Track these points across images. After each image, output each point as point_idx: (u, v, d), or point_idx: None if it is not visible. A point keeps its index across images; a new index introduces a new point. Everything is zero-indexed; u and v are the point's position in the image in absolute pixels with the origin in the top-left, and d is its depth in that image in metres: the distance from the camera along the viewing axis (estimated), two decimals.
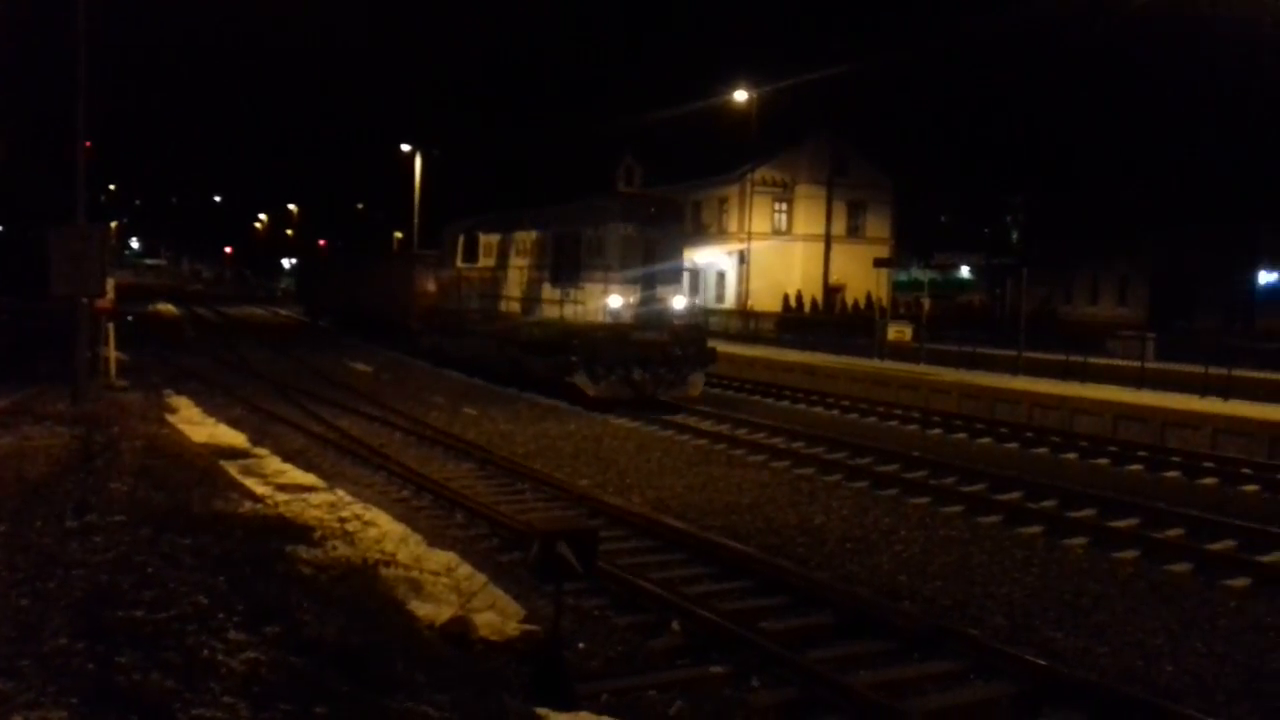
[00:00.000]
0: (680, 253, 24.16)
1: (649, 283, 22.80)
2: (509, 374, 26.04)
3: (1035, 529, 12.57)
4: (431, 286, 34.93)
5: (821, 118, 59.45)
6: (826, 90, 65.26)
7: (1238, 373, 22.19)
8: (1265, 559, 11.28)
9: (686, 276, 24.95)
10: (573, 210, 25.00)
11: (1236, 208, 48.97)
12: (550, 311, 24.30)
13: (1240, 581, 10.54)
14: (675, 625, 8.79)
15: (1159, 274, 56.37)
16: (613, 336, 22.21)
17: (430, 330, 33.20)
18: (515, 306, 26.60)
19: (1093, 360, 26.44)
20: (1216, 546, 11.77)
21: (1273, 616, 9.50)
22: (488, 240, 28.83)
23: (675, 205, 25.50)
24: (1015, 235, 72.65)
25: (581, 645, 8.13)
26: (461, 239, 30.39)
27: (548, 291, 24.73)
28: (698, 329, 24.38)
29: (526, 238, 26.34)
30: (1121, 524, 12.75)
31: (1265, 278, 49.61)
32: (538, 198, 33.32)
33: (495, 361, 26.81)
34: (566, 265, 24.06)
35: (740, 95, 51.02)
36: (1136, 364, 25.17)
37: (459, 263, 30.53)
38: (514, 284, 26.83)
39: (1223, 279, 52.24)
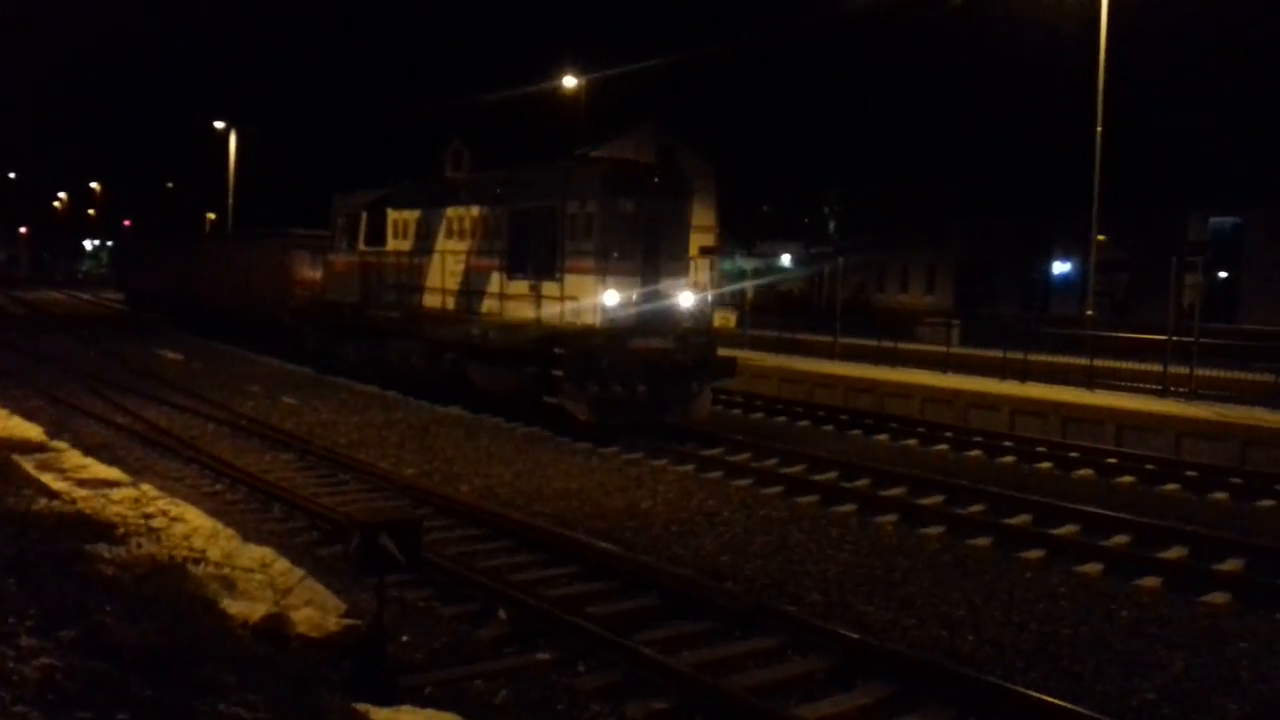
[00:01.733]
0: (688, 235, 19.11)
1: (652, 274, 17.89)
2: (446, 389, 20.86)
3: (849, 507, 13.08)
4: (312, 274, 28.97)
5: (649, 107, 59.98)
6: (654, 80, 65.94)
7: (1034, 357, 23.60)
8: (1057, 532, 12.06)
9: (694, 266, 19.82)
10: (542, 179, 19.09)
11: (1035, 199, 51.89)
12: (511, 310, 19.17)
13: (1035, 553, 11.24)
14: (502, 614, 8.75)
15: (963, 262, 59.32)
16: (610, 344, 17.15)
17: (314, 328, 26.82)
18: (448, 302, 21.19)
19: (903, 345, 27.63)
20: (1014, 521, 12.51)
21: (1065, 586, 10.16)
22: (401, 218, 23.04)
23: (682, 175, 19.66)
24: (832, 225, 75.14)
25: (406, 638, 7.99)
26: (364, 217, 24.36)
27: (503, 284, 19.44)
28: (707, 333, 19.44)
29: (463, 215, 20.79)
30: (928, 501, 13.41)
31: (1059, 267, 52.84)
32: (392, 175, 27.04)
33: (423, 372, 21.47)
34: (536, 251, 18.68)
35: (569, 82, 50.95)
36: (943, 349, 26.47)
37: (360, 245, 24.57)
38: (445, 274, 21.29)
39: (1022, 267, 55.43)
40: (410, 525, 7.17)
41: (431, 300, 21.74)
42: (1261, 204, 44.56)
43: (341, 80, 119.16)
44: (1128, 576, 10.47)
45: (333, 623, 7.66)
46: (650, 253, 17.83)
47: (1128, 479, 15.43)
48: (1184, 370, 20.80)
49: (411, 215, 22.72)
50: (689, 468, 15.49)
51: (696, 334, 18.56)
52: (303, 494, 12.69)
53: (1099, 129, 27.10)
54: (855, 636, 8.34)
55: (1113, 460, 16.50)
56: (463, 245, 20.85)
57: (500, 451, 16.31)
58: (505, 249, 19.50)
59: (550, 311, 18.21)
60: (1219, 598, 9.76)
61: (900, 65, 77.86)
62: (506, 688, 7.22)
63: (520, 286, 19.07)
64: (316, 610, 7.90)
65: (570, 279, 17.85)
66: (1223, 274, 46.46)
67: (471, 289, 20.52)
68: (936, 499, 13.60)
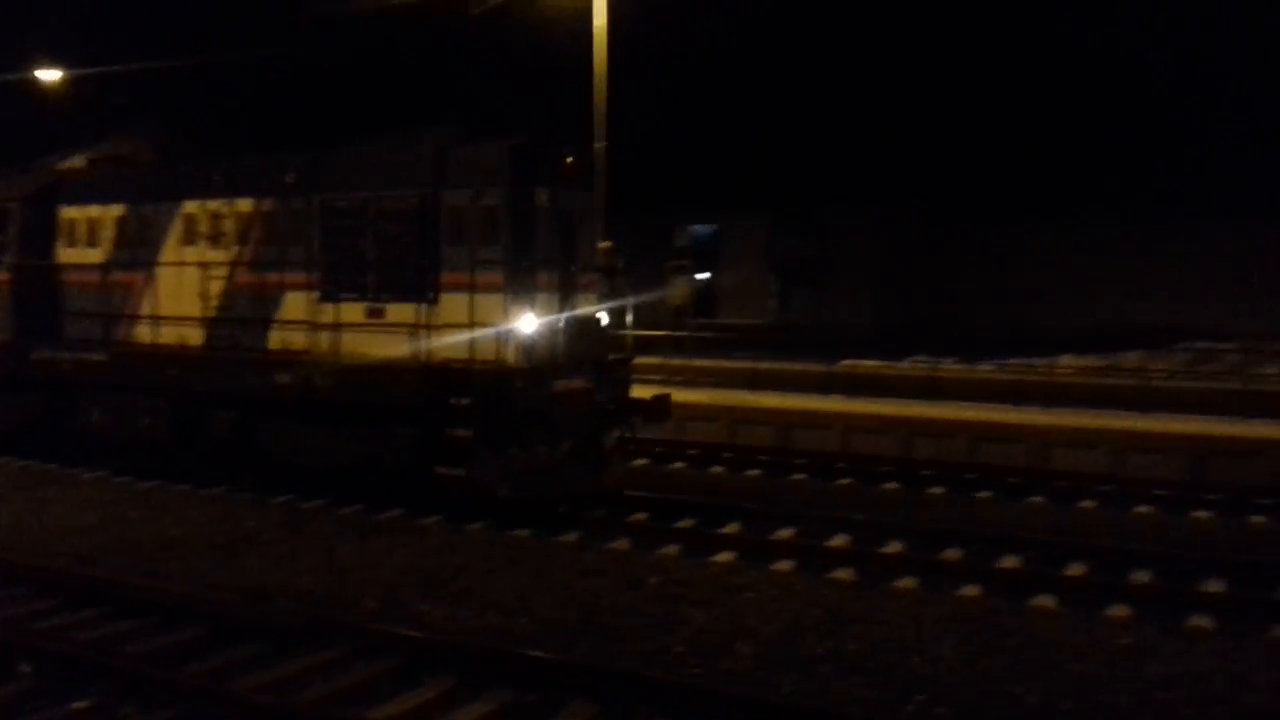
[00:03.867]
0: (596, 236, 15.18)
1: (569, 289, 13.60)
2: (212, 460, 15.07)
3: (395, 513, 13.20)
4: None
5: (146, 106, 55.35)
6: (153, 79, 60.73)
7: None
8: (592, 514, 13.09)
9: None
10: (392, 161, 13.73)
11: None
12: (336, 344, 13.74)
13: (570, 536, 12.13)
14: (25, 667, 7.91)
15: None
16: (533, 388, 12.78)
17: None
18: (191, 337, 15.20)
19: None
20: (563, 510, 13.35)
21: (599, 562, 11.08)
22: (88, 216, 16.56)
23: (586, 158, 15.16)
24: None
25: None
26: (17, 214, 17.14)
27: (313, 308, 13.98)
28: (628, 364, 14.77)
29: (222, 212, 14.94)
30: None
31: None
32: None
33: (156, 439, 15.45)
34: (385, 260, 13.52)
35: (49, 75, 45.58)
36: None
37: (9, 257, 17.17)
38: (186, 295, 15.20)
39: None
40: None
41: (167, 334, 15.43)
42: (733, 214, 50.65)
43: None
44: (651, 547, 11.63)
45: None
46: (567, 261, 13.61)
47: (642, 461, 16.98)
48: (681, 361, 23.30)
49: (108, 212, 16.30)
50: (219, 490, 14.71)
51: (617, 366, 14.35)
52: None
53: (601, 145, 29.28)
54: (417, 634, 8.56)
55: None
56: (222, 254, 14.93)
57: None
58: (318, 259, 13.99)
59: (424, 345, 13.06)
60: (725, 556, 11.17)
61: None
62: None
63: (352, 311, 13.65)
64: None
65: (453, 299, 12.84)
66: (704, 275, 52.02)
67: (248, 316, 14.63)
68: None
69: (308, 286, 14.08)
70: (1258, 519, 12.90)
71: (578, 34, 26.31)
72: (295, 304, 14.21)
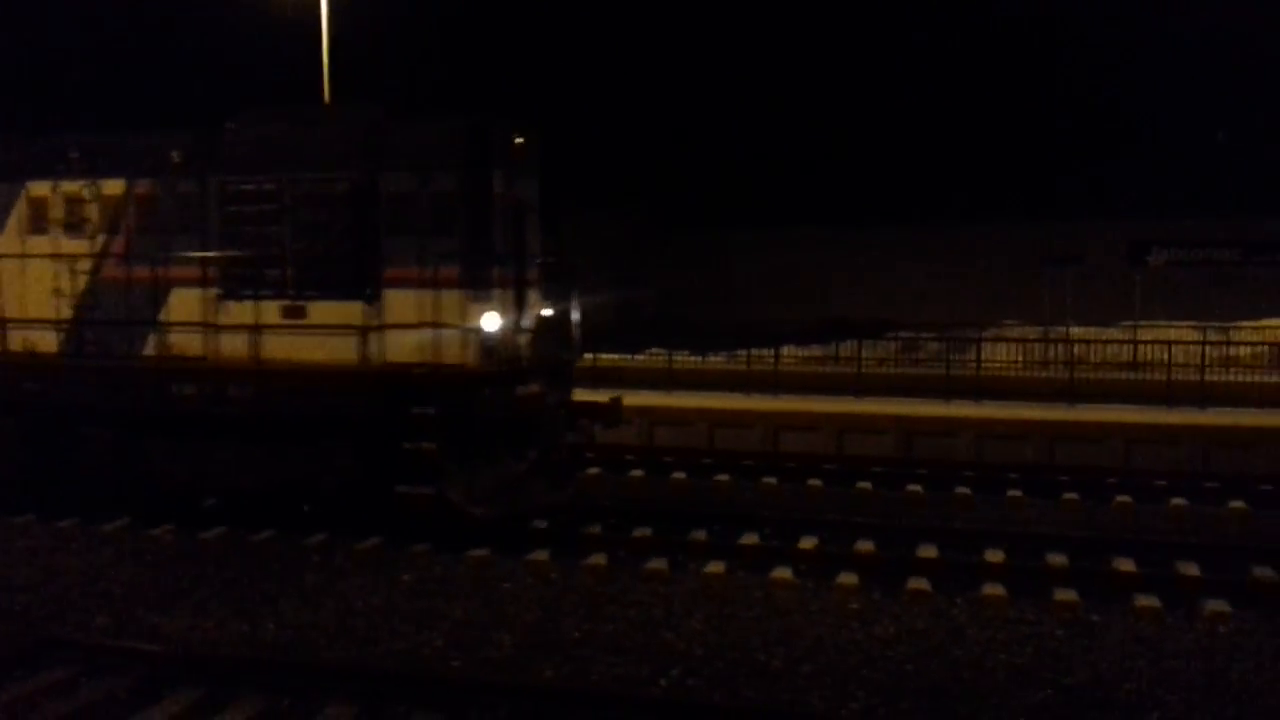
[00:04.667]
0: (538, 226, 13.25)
1: (520, 283, 12.35)
2: (83, 486, 12.75)
3: (120, 523, 12.34)
4: None
5: None
6: None
7: None
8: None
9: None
10: (316, 138, 12.11)
11: None
12: (251, 348, 12.05)
13: (318, 538, 11.78)
14: None
15: None
16: (498, 395, 11.66)
17: None
18: (45, 343, 12.95)
19: None
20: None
21: (349, 562, 10.81)
22: None
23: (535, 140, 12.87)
24: None
25: None
26: None
27: (212, 307, 12.23)
28: (569, 362, 13.40)
29: (83, 195, 12.78)
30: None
31: None
32: None
33: (11, 461, 12.98)
34: (308, 252, 11.87)
35: None
36: None
37: None
38: (33, 294, 13.00)
39: None
40: None
41: (11, 339, 13.15)
42: None
43: None
44: (402, 545, 11.46)
45: None
46: (519, 253, 12.32)
47: None
48: None
49: None
50: None
51: (564, 368, 13.09)
52: None
53: None
54: (153, 648, 8.11)
55: None
56: (81, 245, 12.80)
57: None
58: (216, 250, 12.20)
59: (364, 348, 11.63)
60: (480, 552, 11.17)
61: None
62: None
63: (262, 310, 11.99)
64: None
65: (399, 296, 11.52)
66: None
67: (117, 317, 12.59)
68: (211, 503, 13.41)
69: (201, 282, 12.23)
70: (962, 490, 14.21)
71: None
72: (184, 302, 12.33)
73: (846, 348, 24.73)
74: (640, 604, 9.45)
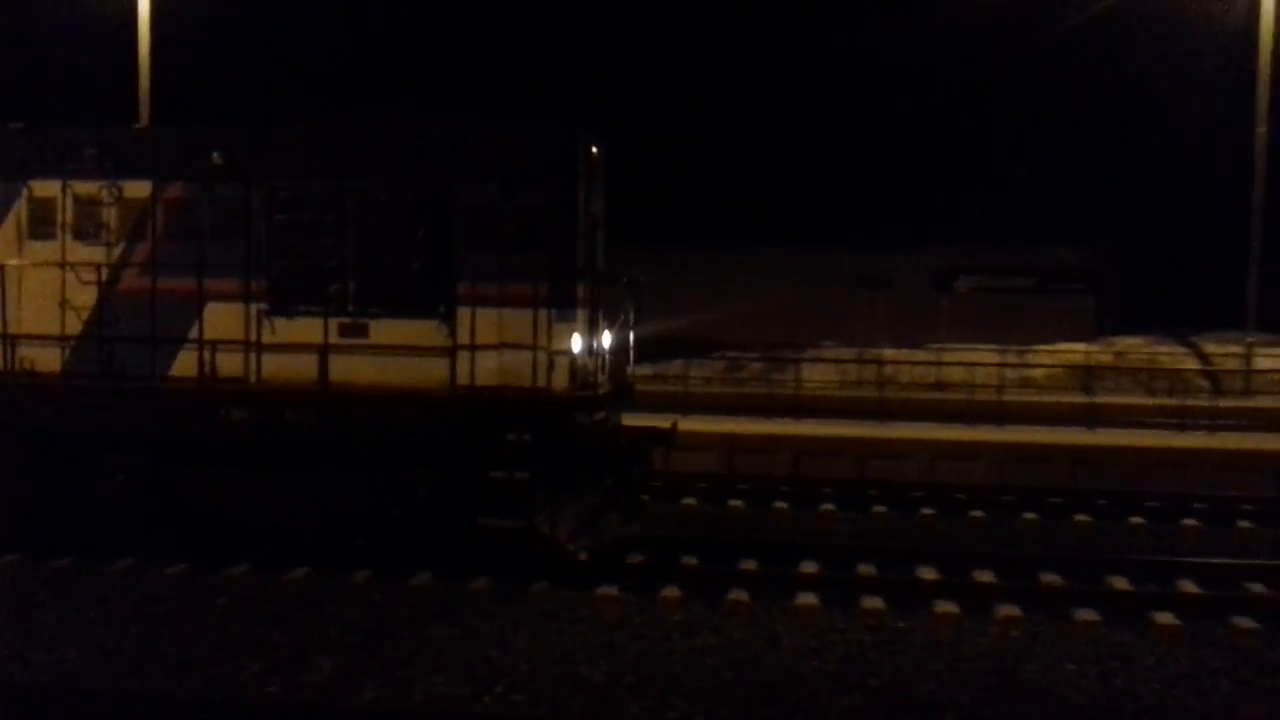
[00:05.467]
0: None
1: (594, 303, 11.62)
2: (102, 517, 11.46)
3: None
4: None
5: None
6: None
7: None
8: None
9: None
10: (377, 140, 11.32)
11: None
12: (300, 369, 11.10)
13: (124, 563, 11.27)
14: None
15: None
16: (588, 422, 11.21)
17: None
18: (45, 359, 11.66)
19: None
20: None
21: (158, 589, 10.40)
22: None
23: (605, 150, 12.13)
24: None
25: None
26: None
27: (257, 324, 11.24)
28: (630, 383, 12.75)
29: (99, 197, 11.59)
30: None
31: None
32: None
33: (15, 493, 11.60)
34: (370, 267, 11.10)
35: None
36: None
37: None
38: (31, 306, 11.67)
39: None
40: None
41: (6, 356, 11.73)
42: None
43: None
44: (218, 567, 11.07)
45: None
46: (593, 269, 11.70)
47: None
48: None
49: None
50: None
51: (628, 392, 12.41)
52: None
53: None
54: None
55: None
56: (95, 253, 11.58)
57: None
58: (264, 262, 11.25)
59: (435, 370, 10.79)
60: (299, 573, 10.89)
61: None
62: None
63: (312, 328, 11.00)
64: None
65: (476, 314, 10.72)
66: None
67: (145, 334, 11.37)
68: None
69: (244, 296, 11.19)
70: (780, 504, 14.73)
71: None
72: (221, 318, 11.24)
73: (674, 366, 25.26)
74: (465, 623, 9.43)
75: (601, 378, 11.78)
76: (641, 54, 49.12)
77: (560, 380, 10.84)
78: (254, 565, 11.08)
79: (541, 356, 10.74)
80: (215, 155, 11.31)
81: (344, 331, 11.04)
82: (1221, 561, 11.66)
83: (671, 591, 10.50)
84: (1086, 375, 24.85)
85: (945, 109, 47.30)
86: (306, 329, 11.08)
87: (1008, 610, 9.95)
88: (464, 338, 10.79)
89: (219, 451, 11.24)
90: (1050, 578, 11.03)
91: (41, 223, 11.72)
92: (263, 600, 10.02)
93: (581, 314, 11.23)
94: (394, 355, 10.93)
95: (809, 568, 11.30)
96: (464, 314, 10.81)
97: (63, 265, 11.59)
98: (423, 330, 10.94)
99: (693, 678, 8.25)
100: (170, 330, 11.40)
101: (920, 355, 27.39)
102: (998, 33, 40.83)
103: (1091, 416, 20.13)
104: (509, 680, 8.15)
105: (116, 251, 11.61)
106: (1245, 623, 9.73)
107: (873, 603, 10.19)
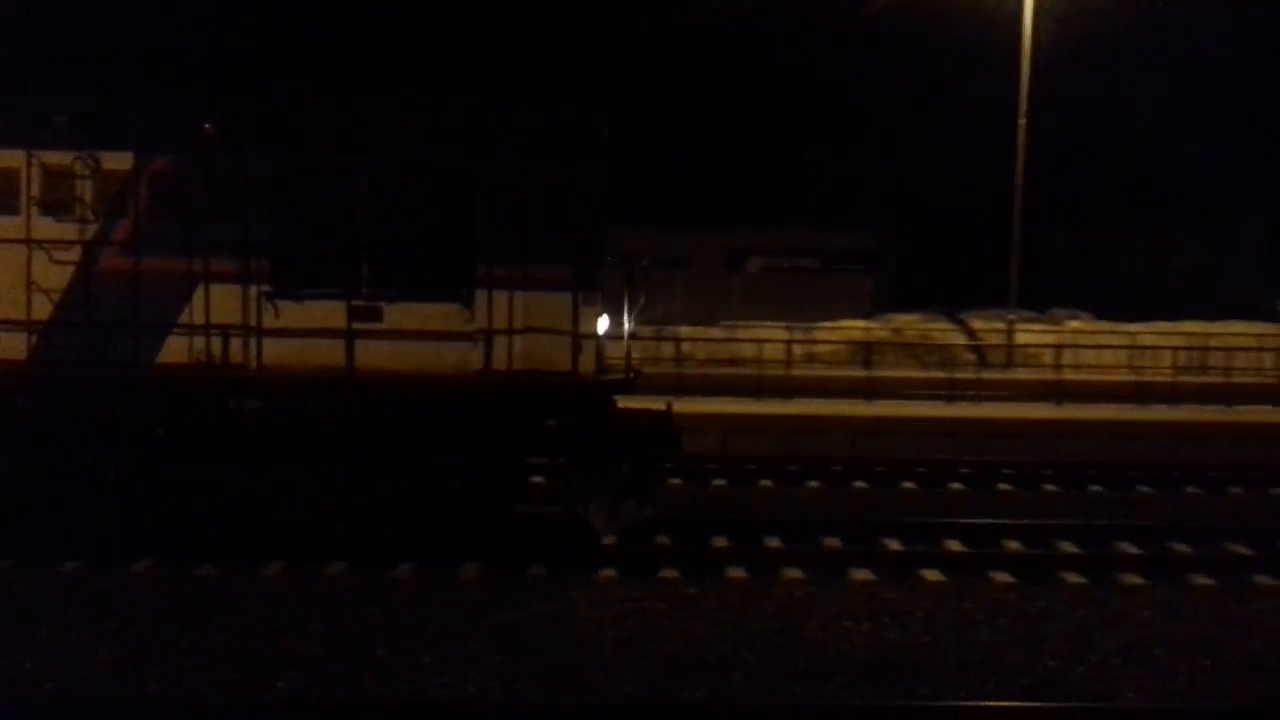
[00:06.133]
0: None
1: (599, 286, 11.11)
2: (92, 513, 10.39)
3: None
4: None
5: None
6: None
7: None
8: None
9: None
10: (393, 114, 10.80)
11: None
12: (307, 355, 10.45)
13: None
14: None
15: None
16: (613, 405, 11.05)
17: None
18: (9, 345, 10.45)
19: None
20: None
21: None
22: None
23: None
24: None
25: None
26: None
27: (257, 308, 10.50)
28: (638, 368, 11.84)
29: (74, 169, 10.53)
30: None
31: None
32: None
33: None
34: (385, 248, 10.53)
35: None
36: None
37: None
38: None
39: None
40: None
41: None
42: None
43: None
44: None
45: None
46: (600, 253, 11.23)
47: None
48: None
49: None
50: None
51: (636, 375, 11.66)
52: None
53: None
54: None
55: None
56: (67, 230, 10.55)
57: None
58: (268, 241, 10.51)
59: (457, 355, 10.39)
60: (72, 565, 10.35)
61: None
62: None
63: (330, 312, 10.48)
64: None
65: (497, 298, 10.43)
66: None
67: (126, 318, 10.46)
68: None
69: (242, 277, 10.46)
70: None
71: None
72: (217, 301, 10.48)
73: None
74: (254, 611, 9.20)
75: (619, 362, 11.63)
76: None
77: (588, 365, 10.71)
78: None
79: (570, 341, 10.55)
80: (207, 125, 10.58)
81: (355, 315, 10.59)
82: (984, 522, 12.60)
83: (470, 570, 10.53)
84: (866, 351, 26.20)
85: (743, 93, 48.53)
86: (315, 312, 10.59)
87: (792, 573, 10.49)
88: (482, 321, 10.56)
89: (229, 444, 10.62)
90: (831, 541, 11.67)
91: (2, 195, 10.64)
92: (38, 595, 9.48)
93: (597, 297, 11.08)
94: (410, 340, 10.56)
95: (608, 540, 11.52)
96: (482, 296, 10.56)
97: (28, 242, 10.55)
98: (444, 313, 10.62)
99: (492, 652, 8.34)
100: (156, 313, 10.60)
101: (714, 333, 28.23)
102: (793, 17, 42.26)
103: (870, 389, 21.30)
104: (304, 665, 8.02)
105: (93, 229, 10.67)
106: (1003, 577, 10.61)
107: (668, 573, 10.53)
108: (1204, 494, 14.97)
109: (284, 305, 10.63)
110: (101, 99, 11.02)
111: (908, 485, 15.08)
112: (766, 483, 14.95)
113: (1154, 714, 7.10)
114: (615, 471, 10.90)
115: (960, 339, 29.90)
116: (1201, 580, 10.59)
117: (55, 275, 10.60)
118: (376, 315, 10.60)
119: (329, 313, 10.58)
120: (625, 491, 11.05)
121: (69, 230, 10.66)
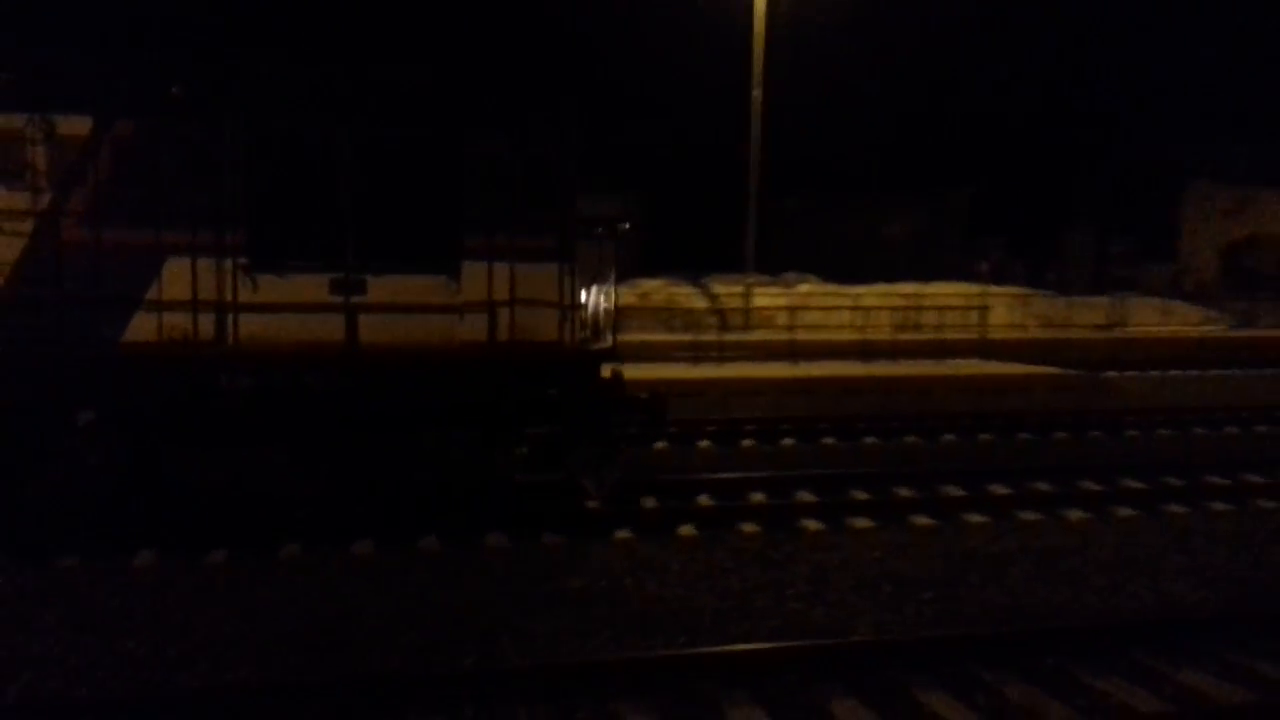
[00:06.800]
0: None
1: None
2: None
3: None
4: None
5: None
6: None
7: None
8: None
9: None
10: (375, 78, 10.31)
11: None
12: (287, 329, 10.01)
13: None
14: None
15: None
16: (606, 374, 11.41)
17: None
18: None
19: None
20: None
21: None
22: None
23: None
24: None
25: None
26: None
27: (233, 281, 9.90)
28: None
29: (23, 134, 9.60)
30: None
31: None
32: None
33: None
34: (370, 219, 10.09)
35: None
36: None
37: None
38: None
39: None
40: None
41: None
42: None
43: None
44: None
45: None
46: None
47: None
48: None
49: None
50: None
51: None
52: None
53: None
54: None
55: None
56: (18, 199, 9.70)
57: None
58: (243, 211, 9.96)
59: (443, 327, 10.33)
60: None
61: None
62: None
63: (311, 286, 10.11)
64: None
65: (483, 269, 10.34)
66: None
67: (86, 294, 9.74)
68: None
69: (215, 250, 9.89)
70: None
71: None
72: (187, 274, 9.87)
73: None
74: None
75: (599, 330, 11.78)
76: None
77: (575, 334, 10.86)
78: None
79: (553, 311, 10.66)
80: (174, 87, 10.06)
81: (336, 288, 10.26)
82: (730, 476, 13.28)
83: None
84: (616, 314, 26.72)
85: (494, 55, 48.19)
86: (298, 286, 10.18)
87: (554, 538, 10.73)
88: (469, 294, 10.46)
89: (221, 423, 10.26)
90: (592, 504, 11.98)
91: None
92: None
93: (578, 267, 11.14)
94: (396, 313, 10.36)
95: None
96: (469, 268, 10.44)
97: None
98: (431, 286, 10.45)
99: (259, 634, 8.12)
100: (120, 288, 9.91)
101: None
102: None
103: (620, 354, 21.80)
104: (36, 667, 7.53)
105: (47, 198, 9.85)
106: (749, 528, 11.27)
107: (427, 543, 10.53)
108: (922, 442, 16.36)
109: (264, 279, 10.18)
110: (54, 57, 10.26)
111: (659, 446, 15.64)
112: None
113: (879, 646, 7.78)
114: (606, 438, 11.23)
115: (702, 303, 31.10)
116: (923, 520, 11.66)
117: (5, 248, 9.80)
118: (361, 288, 10.33)
119: (309, 287, 10.25)
120: (611, 457, 11.40)
121: (18, 200, 9.84)
